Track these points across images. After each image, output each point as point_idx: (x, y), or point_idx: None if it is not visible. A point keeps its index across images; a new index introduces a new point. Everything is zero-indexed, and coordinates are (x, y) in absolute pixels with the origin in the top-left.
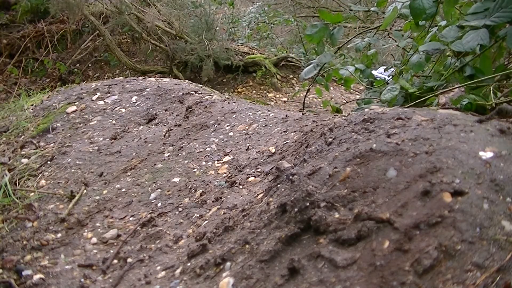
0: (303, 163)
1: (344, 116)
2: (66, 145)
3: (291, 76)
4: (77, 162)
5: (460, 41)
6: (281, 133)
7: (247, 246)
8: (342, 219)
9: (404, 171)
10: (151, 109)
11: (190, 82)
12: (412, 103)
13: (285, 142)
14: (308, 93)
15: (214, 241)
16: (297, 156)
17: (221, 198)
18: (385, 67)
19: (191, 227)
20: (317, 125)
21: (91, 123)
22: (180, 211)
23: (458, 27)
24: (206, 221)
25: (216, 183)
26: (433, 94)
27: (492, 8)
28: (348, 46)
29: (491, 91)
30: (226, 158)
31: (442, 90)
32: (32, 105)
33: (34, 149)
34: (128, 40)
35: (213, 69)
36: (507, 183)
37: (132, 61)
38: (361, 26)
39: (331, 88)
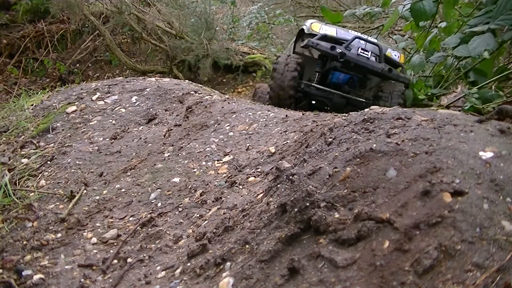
0: (303, 163)
1: (344, 116)
2: (66, 145)
3: None
4: (77, 162)
5: (464, 47)
6: (281, 133)
7: (247, 246)
8: (342, 219)
9: (404, 171)
10: (151, 109)
11: (190, 82)
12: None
13: (285, 142)
14: None
15: (214, 241)
16: (297, 156)
17: (221, 198)
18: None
19: (191, 227)
20: (317, 125)
21: (91, 123)
22: (180, 211)
23: (461, 33)
24: (206, 221)
25: (216, 183)
26: (438, 100)
27: (496, 12)
28: None
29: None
30: (226, 158)
31: (445, 92)
32: (32, 105)
33: (34, 149)
34: (128, 40)
35: (210, 68)
36: (507, 183)
37: (132, 61)
38: (361, 26)
39: None
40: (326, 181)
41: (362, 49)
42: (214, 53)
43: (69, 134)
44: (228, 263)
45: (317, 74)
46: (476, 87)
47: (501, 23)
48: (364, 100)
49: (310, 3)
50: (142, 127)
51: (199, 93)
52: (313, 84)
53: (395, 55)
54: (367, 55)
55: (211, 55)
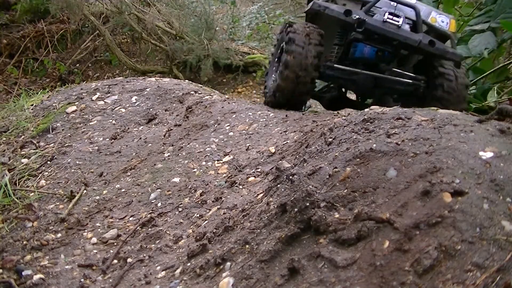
0: (303, 163)
1: (344, 116)
2: (66, 145)
3: None
4: (77, 162)
5: (461, 47)
6: (281, 133)
7: (247, 246)
8: (342, 219)
9: (404, 171)
10: (151, 109)
11: (190, 82)
12: None
13: (285, 142)
14: None
15: (214, 241)
16: (297, 156)
17: (221, 198)
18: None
19: (191, 227)
20: (317, 125)
21: (91, 123)
22: (180, 211)
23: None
24: (206, 221)
25: (216, 183)
26: None
27: (496, 10)
28: None
29: (495, 91)
30: (226, 158)
31: None
32: (32, 105)
33: (34, 149)
34: (128, 40)
35: (212, 69)
36: (507, 183)
37: (132, 61)
38: None
39: None
40: (326, 181)
41: (390, 13)
42: (214, 53)
43: (69, 134)
44: (228, 263)
45: (337, 47)
46: (473, 80)
47: (503, 22)
48: (409, 81)
49: None
50: (142, 127)
51: (199, 93)
52: (336, 65)
53: (442, 22)
54: (398, 22)
55: (211, 55)
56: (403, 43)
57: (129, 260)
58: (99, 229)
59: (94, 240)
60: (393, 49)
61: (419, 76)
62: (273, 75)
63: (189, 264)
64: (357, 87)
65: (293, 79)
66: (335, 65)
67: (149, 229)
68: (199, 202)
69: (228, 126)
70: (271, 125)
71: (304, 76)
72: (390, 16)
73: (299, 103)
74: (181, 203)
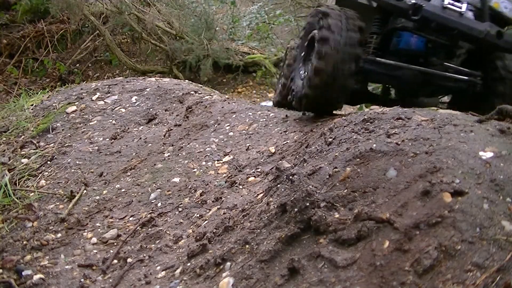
0: (303, 163)
1: (344, 116)
2: (66, 145)
3: None
4: (77, 162)
5: None
6: (281, 133)
7: (247, 246)
8: (342, 219)
9: (404, 171)
10: (151, 109)
11: (190, 82)
12: None
13: (285, 142)
14: None
15: (214, 241)
16: (297, 156)
17: (221, 198)
18: None
19: (191, 227)
20: (317, 125)
21: (91, 123)
22: (180, 211)
23: None
24: (206, 221)
25: (216, 183)
26: None
27: None
28: None
29: None
30: (226, 158)
31: None
32: (32, 105)
33: (34, 149)
34: (128, 40)
35: (211, 69)
36: (507, 183)
37: (132, 61)
38: None
39: None
40: (326, 181)
41: None
42: (214, 53)
43: (69, 134)
44: (228, 263)
45: (374, 37)
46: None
47: None
48: (464, 77)
49: (310, 3)
50: (142, 127)
51: (199, 93)
52: (378, 59)
53: (506, 7)
54: (460, 8)
55: (211, 55)
56: (464, 34)
57: (129, 260)
58: (99, 229)
59: (94, 240)
60: (449, 40)
61: (475, 72)
62: (301, 71)
63: (189, 264)
64: (400, 85)
65: (330, 73)
66: (377, 59)
67: (149, 229)
68: (199, 202)
69: (228, 126)
70: (271, 125)
71: (343, 69)
72: (451, 1)
73: (336, 104)
74: (181, 203)
